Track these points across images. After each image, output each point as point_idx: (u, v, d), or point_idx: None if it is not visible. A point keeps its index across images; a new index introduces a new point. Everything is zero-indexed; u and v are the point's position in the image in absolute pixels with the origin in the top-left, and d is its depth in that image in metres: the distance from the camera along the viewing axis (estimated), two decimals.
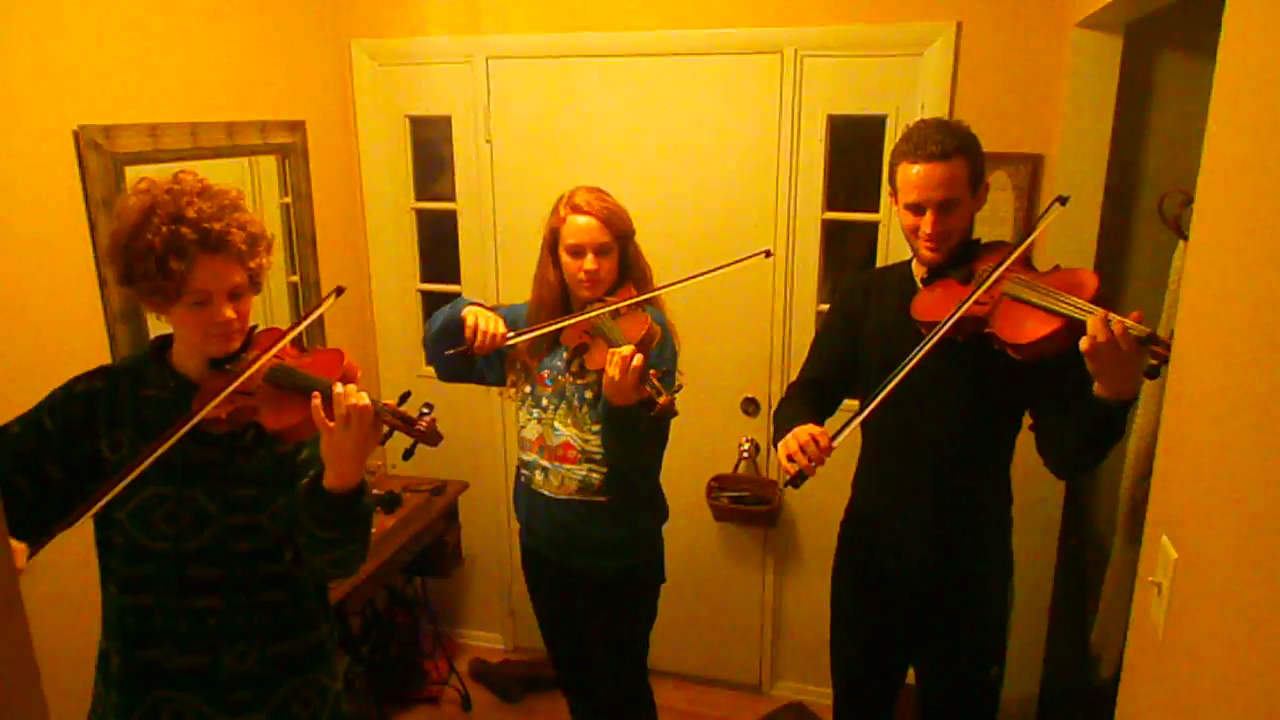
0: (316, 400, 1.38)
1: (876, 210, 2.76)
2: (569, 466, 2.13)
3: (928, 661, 2.11)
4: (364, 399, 1.38)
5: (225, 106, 2.54)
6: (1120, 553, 2.34)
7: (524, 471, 2.24)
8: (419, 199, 3.20)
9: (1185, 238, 2.00)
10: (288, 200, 2.84)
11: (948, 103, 2.55)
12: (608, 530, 2.16)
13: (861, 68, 2.65)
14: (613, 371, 1.81)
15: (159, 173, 1.48)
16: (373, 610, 3.09)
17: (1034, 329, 1.59)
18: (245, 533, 1.51)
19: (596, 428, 2.08)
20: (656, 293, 2.10)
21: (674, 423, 1.96)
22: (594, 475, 2.12)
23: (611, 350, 1.83)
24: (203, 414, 1.39)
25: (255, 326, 1.55)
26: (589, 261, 2.03)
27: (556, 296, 2.13)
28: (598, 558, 2.18)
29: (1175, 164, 2.47)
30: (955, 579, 1.98)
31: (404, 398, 1.46)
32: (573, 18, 2.82)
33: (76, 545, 1.44)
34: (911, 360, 1.67)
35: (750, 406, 2.99)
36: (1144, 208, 2.56)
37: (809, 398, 1.99)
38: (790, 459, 1.71)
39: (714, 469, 3.01)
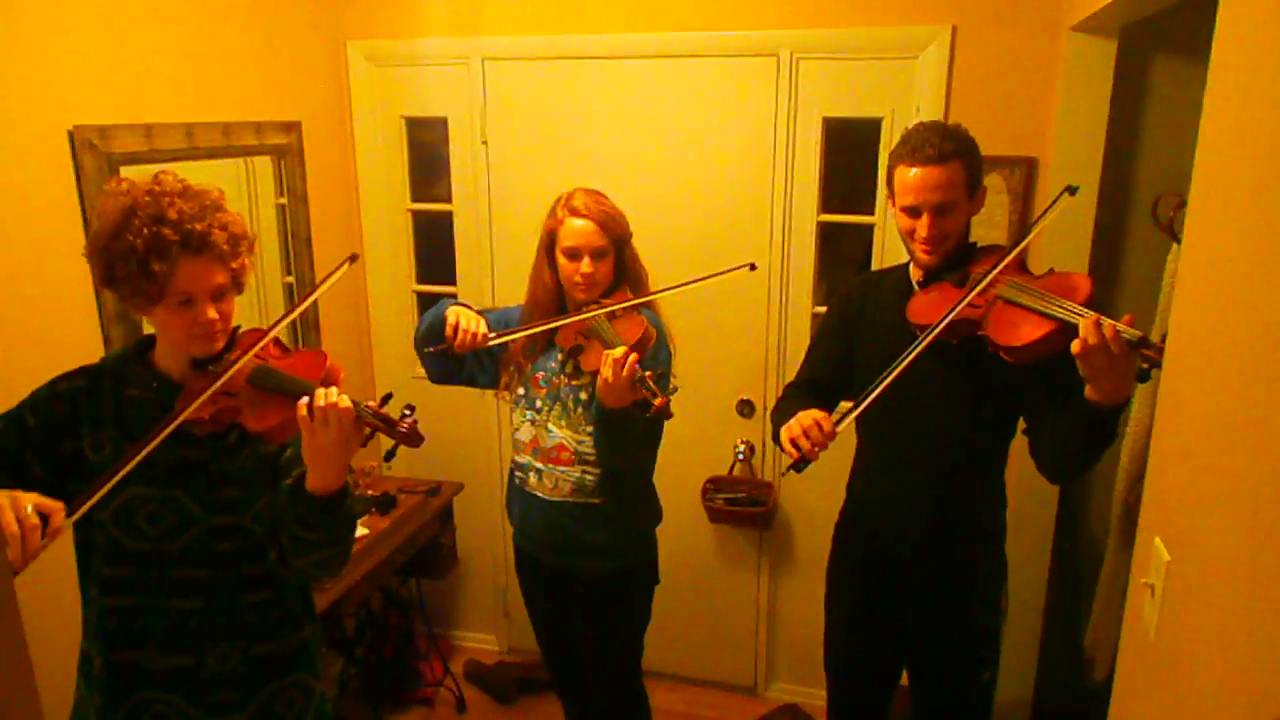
0: (302, 406, 1.38)
1: (872, 213, 2.76)
2: (563, 468, 2.13)
3: (921, 665, 2.11)
4: (345, 401, 1.38)
5: (221, 107, 2.53)
6: (1113, 555, 2.35)
7: (518, 473, 2.24)
8: (415, 200, 3.20)
9: (1179, 241, 2.01)
10: (283, 201, 2.83)
11: (943, 106, 2.55)
12: (602, 532, 2.16)
13: (857, 71, 2.66)
14: (606, 373, 1.81)
15: (147, 174, 1.47)
16: (367, 612, 3.08)
17: (1027, 332, 1.59)
18: (228, 533, 1.51)
19: (591, 429, 2.07)
20: (651, 297, 2.10)
21: (669, 424, 1.96)
22: (588, 477, 2.12)
23: (606, 352, 1.83)
24: (186, 414, 1.39)
25: (238, 327, 1.54)
26: (585, 265, 2.03)
27: (552, 298, 2.13)
28: (592, 560, 2.18)
29: (1169, 167, 2.48)
30: (949, 582, 1.98)
31: (386, 399, 1.46)
32: (569, 20, 2.83)
33: (57, 545, 1.43)
34: (907, 358, 1.67)
35: (745, 408, 2.99)
36: (1138, 211, 2.57)
37: (806, 397, 1.99)
38: (794, 444, 1.71)
39: (709, 471, 3.01)
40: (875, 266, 2.74)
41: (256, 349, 1.49)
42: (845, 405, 1.77)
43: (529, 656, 3.28)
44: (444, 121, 3.06)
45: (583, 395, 2.09)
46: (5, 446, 1.42)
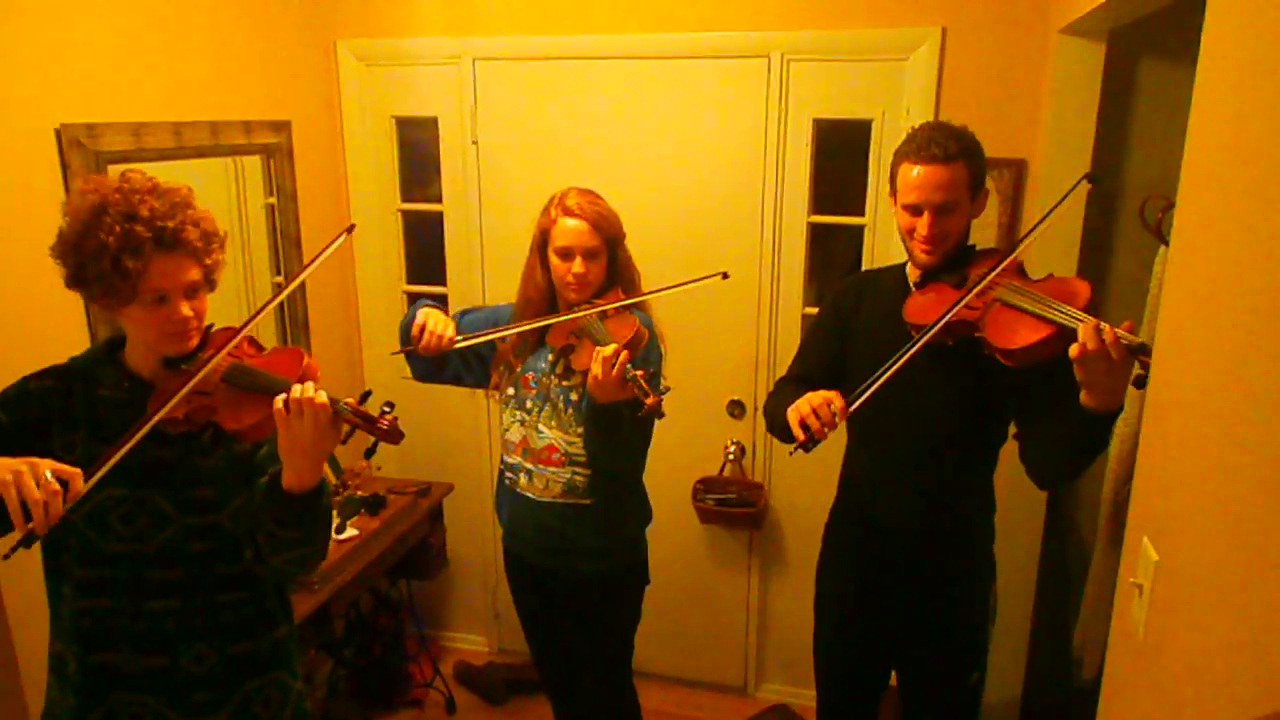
0: (279, 403, 1.37)
1: (862, 214, 2.77)
2: (553, 469, 2.13)
3: (910, 666, 2.12)
4: (322, 397, 1.38)
5: (209, 106, 2.52)
6: (1102, 555, 2.35)
7: (508, 474, 2.24)
8: (405, 200, 3.20)
9: (1166, 243, 2.02)
10: (272, 200, 2.82)
11: (933, 108, 2.56)
12: (592, 533, 2.15)
13: (847, 72, 2.67)
14: (596, 369, 1.81)
15: (120, 173, 1.46)
16: (356, 613, 3.07)
17: (1025, 335, 1.59)
18: (204, 533, 1.50)
19: (581, 430, 2.07)
20: (640, 299, 2.10)
21: (660, 425, 1.96)
22: (578, 478, 2.12)
23: (597, 349, 1.83)
24: (164, 413, 1.38)
25: (211, 325, 1.53)
26: (577, 265, 2.03)
27: (544, 296, 2.12)
28: (582, 561, 2.18)
29: (1157, 169, 2.49)
30: (938, 584, 1.99)
31: (365, 396, 1.46)
32: (560, 20, 2.82)
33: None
34: (905, 355, 1.67)
35: (736, 409, 3.00)
36: (1126, 213, 2.58)
37: (800, 391, 1.98)
38: (802, 424, 1.70)
39: (700, 471, 3.01)
40: (865, 267, 2.75)
41: (230, 345, 1.49)
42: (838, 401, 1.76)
43: (519, 657, 3.28)
44: (434, 121, 3.05)
45: (573, 396, 2.09)
46: None
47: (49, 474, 1.23)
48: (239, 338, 1.51)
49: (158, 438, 1.42)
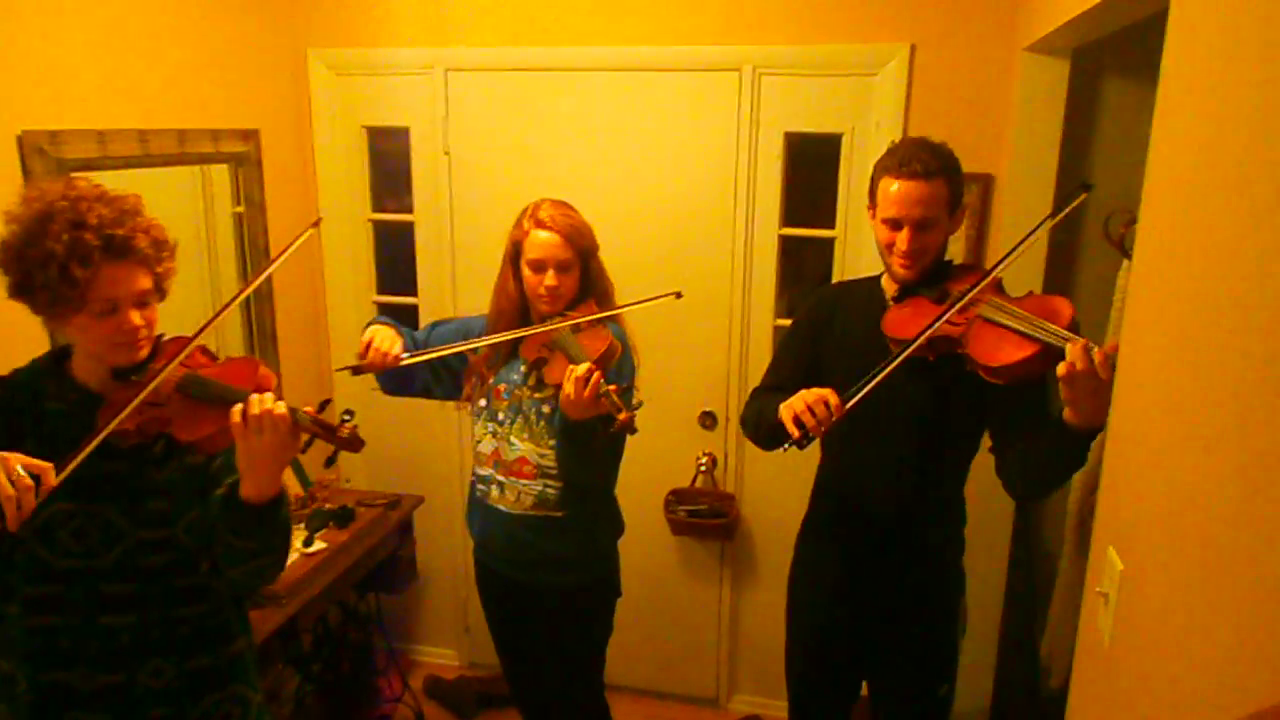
0: (236, 413, 1.35)
1: (833, 227, 2.79)
2: (525, 481, 2.12)
3: (881, 677, 2.13)
4: (281, 407, 1.36)
5: (177, 114, 2.49)
6: (1068, 565, 2.39)
7: (479, 486, 2.22)
8: (376, 210, 3.17)
9: (1129, 256, 2.06)
10: (240, 210, 2.79)
11: (902, 123, 2.59)
12: (564, 545, 2.14)
13: (818, 87, 2.69)
14: (569, 388, 1.80)
15: (66, 179, 1.43)
16: (324, 627, 3.03)
17: (1009, 353, 1.61)
18: (158, 547, 1.47)
19: (553, 443, 2.06)
20: (613, 312, 2.09)
21: (632, 436, 1.96)
22: (550, 490, 2.11)
23: (570, 367, 1.83)
24: (114, 425, 1.36)
25: (162, 335, 1.51)
26: (550, 277, 2.02)
27: (516, 308, 2.12)
28: (553, 573, 2.17)
29: (1120, 184, 2.54)
30: (909, 595, 2.00)
31: (324, 405, 1.45)
32: (534, 32, 2.83)
33: None
34: (898, 359, 1.68)
35: (708, 420, 3.00)
36: (1090, 227, 2.63)
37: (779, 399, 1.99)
38: (797, 420, 1.69)
39: (672, 483, 3.01)
40: (835, 280, 2.77)
41: (183, 355, 1.46)
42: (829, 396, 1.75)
43: (489, 671, 3.25)
44: (406, 132, 3.04)
45: (545, 408, 2.08)
46: None
47: (21, 469, 1.20)
48: (192, 346, 1.49)
49: (108, 451, 1.39)
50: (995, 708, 2.86)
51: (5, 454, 1.22)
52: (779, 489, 2.94)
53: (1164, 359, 1.07)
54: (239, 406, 1.36)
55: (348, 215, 3.14)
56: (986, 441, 1.93)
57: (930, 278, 1.84)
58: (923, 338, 1.69)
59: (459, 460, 3.21)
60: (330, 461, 1.48)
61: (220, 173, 2.71)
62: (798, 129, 2.75)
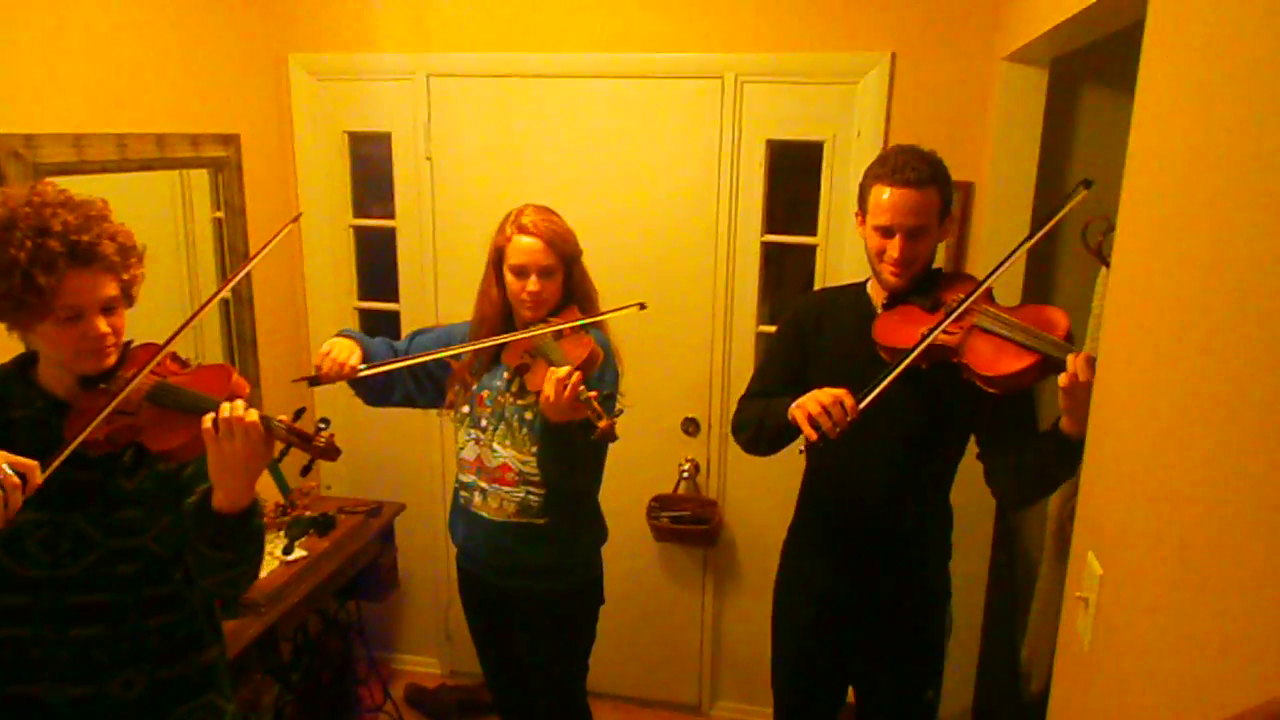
0: (208, 422, 1.34)
1: (815, 234, 2.81)
2: (507, 488, 2.11)
3: (867, 683, 2.13)
4: (253, 415, 1.35)
5: (155, 118, 2.47)
6: (1048, 570, 2.40)
7: (462, 493, 2.21)
8: (357, 216, 3.16)
9: (1107, 264, 2.08)
10: (220, 215, 2.77)
11: (883, 130, 2.61)
12: (546, 553, 2.14)
13: (800, 95, 2.71)
14: (549, 390, 1.80)
15: (30, 186, 1.40)
16: (304, 636, 2.99)
17: (1008, 363, 1.62)
18: (129, 556, 1.45)
19: (535, 449, 2.06)
20: (595, 319, 2.08)
21: (615, 443, 1.96)
22: (532, 498, 2.10)
23: (550, 370, 1.82)
24: (84, 435, 1.33)
25: (130, 341, 1.48)
26: (532, 283, 2.02)
27: (499, 314, 2.11)
28: (537, 580, 2.16)
29: (1098, 192, 2.56)
30: (897, 601, 2.01)
31: (299, 413, 1.44)
32: (516, 38, 2.82)
33: None
34: (897, 369, 1.67)
35: (690, 426, 3.00)
36: (1067, 234, 2.65)
37: (769, 404, 1.97)
38: (812, 422, 1.67)
39: (654, 489, 3.01)
40: (817, 286, 2.78)
41: (153, 363, 1.44)
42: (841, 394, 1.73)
43: (471, 679, 3.23)
44: (388, 137, 3.03)
45: (528, 415, 2.07)
46: None
47: (6, 467, 1.18)
48: (163, 353, 1.47)
49: (78, 460, 1.37)
50: (976, 711, 2.87)
51: None
52: (761, 495, 2.95)
53: (1143, 366, 1.08)
54: (210, 415, 1.35)
55: (329, 221, 3.12)
56: (970, 448, 1.94)
57: (920, 285, 1.85)
58: (925, 343, 1.69)
59: (440, 467, 3.19)
60: (306, 470, 1.46)
61: (200, 178, 2.69)
62: (779, 136, 2.76)
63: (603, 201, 2.88)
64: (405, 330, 3.03)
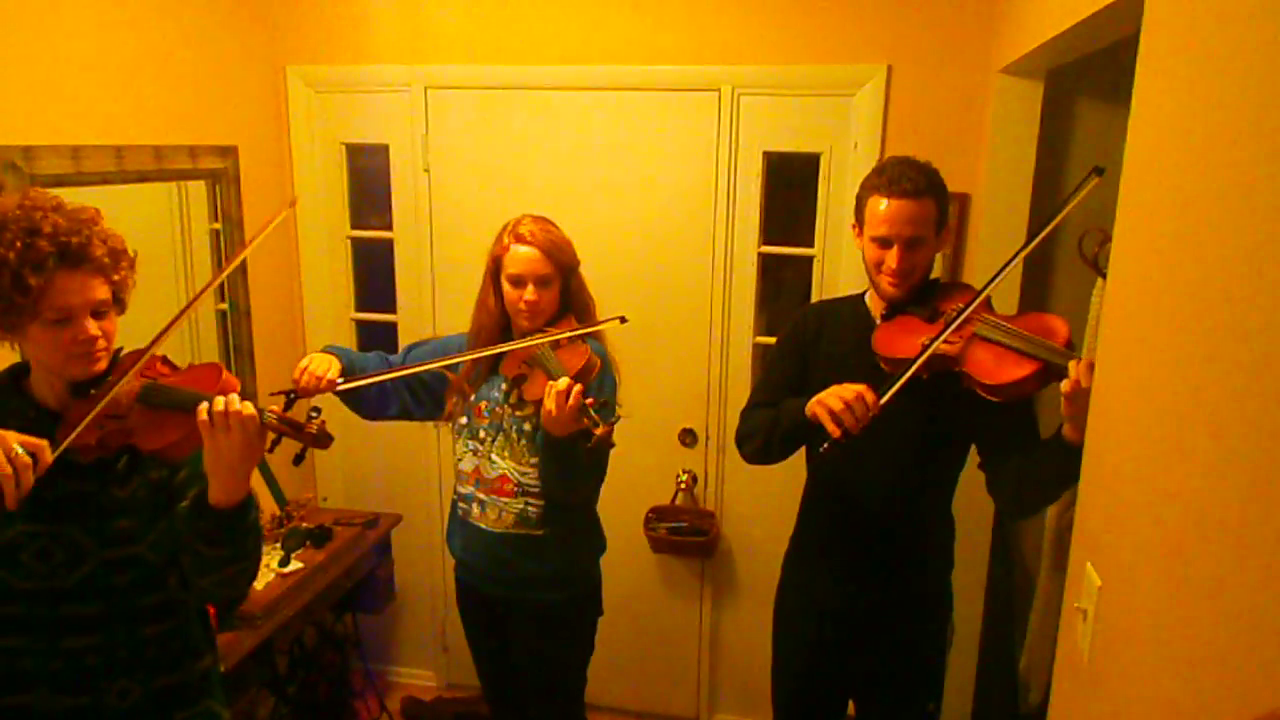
0: (204, 414, 1.34)
1: (812, 245, 2.81)
2: (506, 499, 2.11)
3: (868, 696, 2.12)
4: (248, 407, 1.36)
5: (153, 129, 2.47)
6: (1046, 580, 2.40)
7: (460, 504, 2.21)
8: (355, 227, 3.16)
9: (1103, 275, 2.09)
10: (218, 226, 2.77)
11: (879, 142, 2.62)
12: (545, 564, 2.13)
13: (797, 107, 2.72)
14: (549, 404, 1.80)
15: (22, 191, 1.42)
16: (301, 649, 2.98)
17: (1010, 371, 1.62)
18: (125, 565, 1.45)
19: (534, 460, 2.06)
20: (592, 329, 2.09)
21: (612, 454, 1.96)
22: (531, 509, 2.10)
23: (550, 383, 1.82)
24: (71, 439, 1.33)
25: (120, 349, 1.48)
26: (529, 292, 2.02)
27: (496, 324, 2.11)
28: (535, 591, 2.15)
29: (1094, 203, 2.57)
30: (897, 614, 2.00)
31: (290, 400, 1.44)
32: (514, 50, 2.84)
33: None
34: (909, 370, 1.67)
35: (688, 437, 3.00)
36: (1064, 246, 2.66)
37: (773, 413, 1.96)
38: (835, 418, 1.66)
39: (652, 500, 3.00)
40: (814, 298, 2.79)
41: (141, 361, 1.44)
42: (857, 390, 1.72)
43: (468, 692, 3.22)
44: (386, 149, 3.03)
45: (526, 425, 2.07)
46: None
47: (18, 447, 1.18)
48: (149, 353, 1.47)
49: (70, 470, 1.36)
50: None
51: (1, 432, 1.20)
52: (759, 507, 2.94)
53: (1140, 376, 1.08)
54: (204, 405, 1.35)
55: (326, 232, 3.12)
56: (971, 458, 1.93)
57: (918, 296, 1.86)
58: (931, 348, 1.69)
59: (437, 479, 3.18)
60: (299, 459, 1.46)
61: (197, 189, 2.69)
62: (776, 148, 2.77)
63: (600, 213, 2.89)
64: (403, 341, 3.03)
